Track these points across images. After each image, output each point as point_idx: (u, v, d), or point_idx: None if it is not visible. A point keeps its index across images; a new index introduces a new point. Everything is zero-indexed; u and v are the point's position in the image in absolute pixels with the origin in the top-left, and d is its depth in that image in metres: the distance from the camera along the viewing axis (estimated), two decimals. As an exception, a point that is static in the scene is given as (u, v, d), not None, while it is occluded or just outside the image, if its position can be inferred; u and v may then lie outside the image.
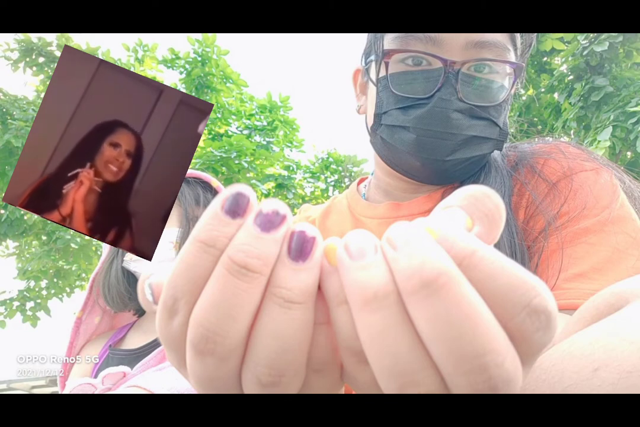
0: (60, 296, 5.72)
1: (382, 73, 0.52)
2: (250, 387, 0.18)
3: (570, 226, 0.44)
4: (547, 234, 0.45)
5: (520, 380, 0.16)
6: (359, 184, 0.68)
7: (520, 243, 0.46)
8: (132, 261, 0.78)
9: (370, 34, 0.57)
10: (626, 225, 0.44)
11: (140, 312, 0.86)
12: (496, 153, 0.56)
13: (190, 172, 0.82)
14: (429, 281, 0.15)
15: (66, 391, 0.58)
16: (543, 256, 0.44)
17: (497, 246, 0.44)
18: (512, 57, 0.51)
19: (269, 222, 0.17)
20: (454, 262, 0.15)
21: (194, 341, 0.17)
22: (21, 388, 5.31)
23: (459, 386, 0.16)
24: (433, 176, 0.54)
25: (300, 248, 0.17)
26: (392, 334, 0.15)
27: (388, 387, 0.16)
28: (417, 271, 0.15)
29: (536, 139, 0.58)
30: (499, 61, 0.49)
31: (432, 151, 0.50)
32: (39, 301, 5.51)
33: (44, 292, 5.65)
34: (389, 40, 0.52)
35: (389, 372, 0.16)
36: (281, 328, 0.17)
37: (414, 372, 0.16)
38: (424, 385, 0.16)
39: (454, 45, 0.49)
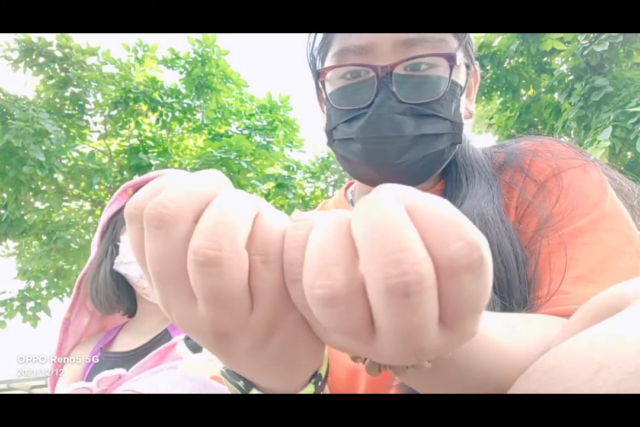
0: (60, 296, 5.72)
1: (323, 92, 0.53)
2: (193, 269, 0.19)
3: (565, 226, 0.44)
4: (541, 234, 0.45)
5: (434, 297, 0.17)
6: (346, 189, 0.68)
7: (521, 246, 0.45)
8: (122, 264, 0.77)
9: (307, 56, 0.57)
10: (618, 222, 0.44)
11: (130, 313, 0.85)
12: (480, 155, 0.55)
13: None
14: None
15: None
16: (542, 257, 0.44)
17: (499, 248, 0.44)
18: (451, 47, 0.49)
19: None
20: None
21: (148, 213, 0.19)
22: (21, 388, 5.31)
23: (375, 282, 0.16)
24: (393, 181, 0.53)
25: None
26: (330, 231, 0.18)
27: (307, 279, 0.18)
28: None
29: (522, 137, 0.57)
30: (425, 56, 0.48)
31: (381, 157, 0.50)
32: (39, 301, 5.50)
33: (44, 292, 5.65)
34: (328, 58, 0.52)
35: (312, 264, 0.18)
36: (226, 203, 0.19)
37: (331, 263, 0.17)
38: (335, 280, 0.17)
39: (385, 49, 0.48)
